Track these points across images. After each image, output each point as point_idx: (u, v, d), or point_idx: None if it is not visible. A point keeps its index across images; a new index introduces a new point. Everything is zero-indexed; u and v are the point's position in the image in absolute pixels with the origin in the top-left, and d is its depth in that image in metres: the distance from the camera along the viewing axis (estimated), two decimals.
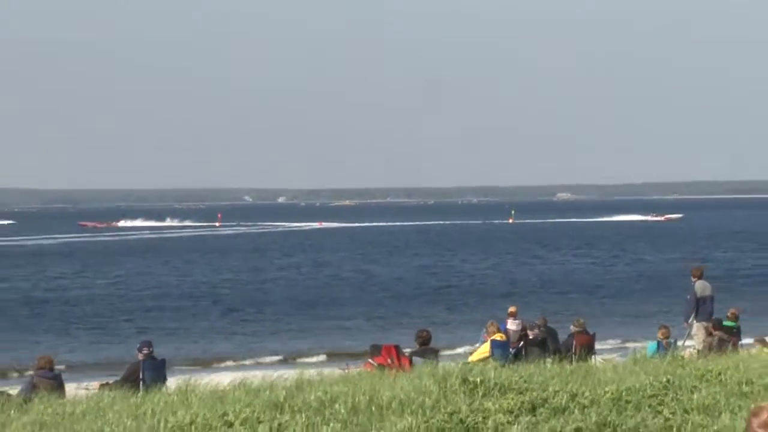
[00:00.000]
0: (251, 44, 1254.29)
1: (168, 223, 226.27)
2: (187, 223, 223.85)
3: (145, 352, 26.63)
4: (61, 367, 30.62)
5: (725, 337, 30.69)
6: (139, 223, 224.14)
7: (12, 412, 18.36)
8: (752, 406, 10.49)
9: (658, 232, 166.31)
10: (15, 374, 39.42)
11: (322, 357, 44.73)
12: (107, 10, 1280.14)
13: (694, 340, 32.09)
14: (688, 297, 32.52)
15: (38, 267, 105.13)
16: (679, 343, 31.60)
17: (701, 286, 32.41)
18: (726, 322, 32.12)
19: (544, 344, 30.21)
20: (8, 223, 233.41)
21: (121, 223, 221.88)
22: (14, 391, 23.84)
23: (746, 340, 33.86)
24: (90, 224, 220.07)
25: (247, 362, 44.54)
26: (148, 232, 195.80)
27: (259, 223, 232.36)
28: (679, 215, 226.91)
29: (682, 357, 24.79)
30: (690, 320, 32.20)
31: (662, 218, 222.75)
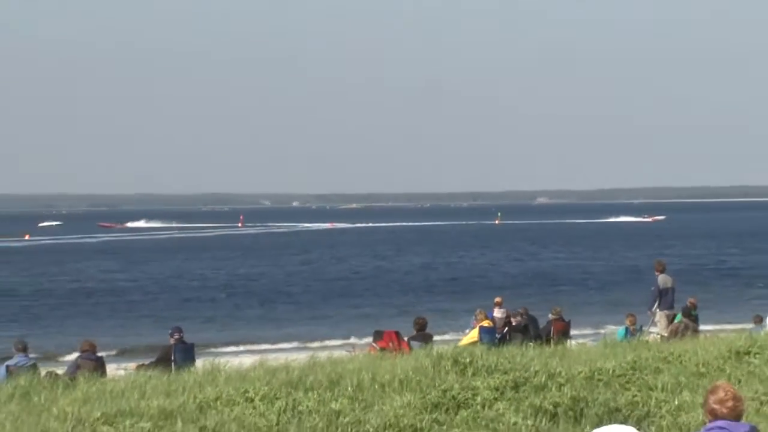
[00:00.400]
0: (265, 62, 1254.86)
1: (162, 224, 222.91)
2: (173, 224, 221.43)
3: (176, 336, 26.65)
4: (112, 352, 30.05)
5: (691, 323, 30.64)
6: (142, 224, 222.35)
7: (59, 389, 18.37)
8: (709, 385, 10.48)
9: (637, 231, 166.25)
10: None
11: (334, 341, 44.58)
12: (150, 18, 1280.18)
13: (657, 326, 31.99)
14: (652, 288, 32.43)
15: (89, 262, 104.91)
16: (645, 329, 31.55)
17: (663, 279, 32.30)
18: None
19: (526, 330, 30.18)
20: (56, 224, 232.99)
21: (128, 224, 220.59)
22: (61, 371, 23.84)
23: (704, 326, 33.78)
24: (107, 225, 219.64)
25: (267, 346, 44.46)
26: (177, 231, 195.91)
27: (277, 224, 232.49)
28: (663, 217, 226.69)
29: (647, 341, 24.76)
30: (654, 309, 32.10)
31: (650, 219, 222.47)
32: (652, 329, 32.12)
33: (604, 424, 4.96)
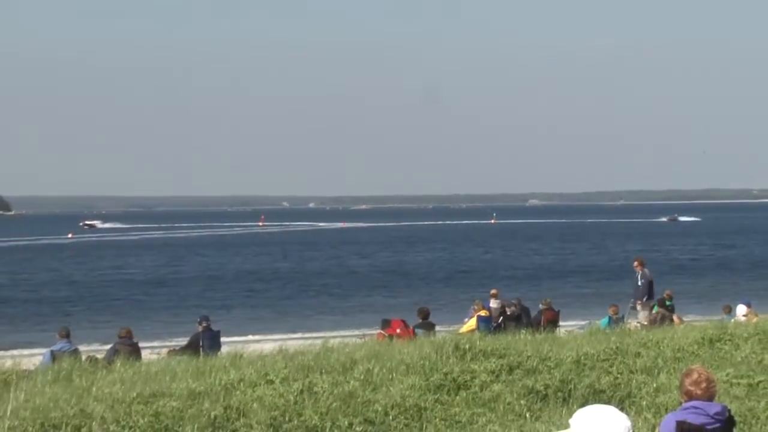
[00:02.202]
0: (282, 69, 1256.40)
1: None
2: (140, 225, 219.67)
3: (204, 324, 26.68)
4: (155, 344, 29.43)
5: (667, 313, 30.60)
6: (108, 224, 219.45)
7: (99, 372, 18.37)
8: (685, 368, 10.43)
9: (624, 230, 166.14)
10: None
11: (348, 331, 44.36)
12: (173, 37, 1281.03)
13: (639, 316, 31.86)
14: (642, 281, 31.98)
15: (134, 258, 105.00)
16: (627, 319, 31.48)
17: (649, 273, 32.19)
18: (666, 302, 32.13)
19: (519, 319, 30.17)
20: (98, 223, 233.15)
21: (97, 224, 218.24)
22: (100, 355, 23.85)
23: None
24: (88, 223, 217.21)
25: (286, 334, 44.34)
26: (206, 229, 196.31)
27: (295, 223, 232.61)
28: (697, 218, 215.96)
29: (628, 329, 24.72)
30: (644, 300, 31.83)
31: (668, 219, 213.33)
32: (635, 319, 31.90)
33: (589, 404, 4.95)
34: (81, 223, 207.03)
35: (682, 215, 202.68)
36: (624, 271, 57.70)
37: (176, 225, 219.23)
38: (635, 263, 32.63)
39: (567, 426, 4.83)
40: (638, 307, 31.95)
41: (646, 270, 32.05)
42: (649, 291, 31.72)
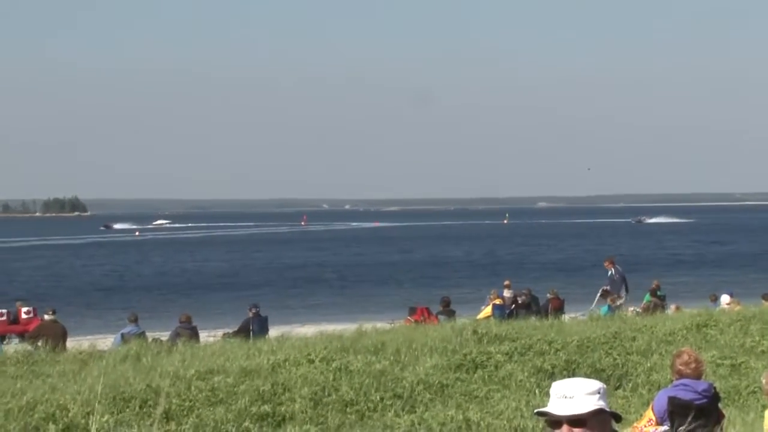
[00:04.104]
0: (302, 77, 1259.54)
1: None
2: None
3: (254, 311, 26.74)
4: (217, 334, 28.90)
5: (658, 302, 30.41)
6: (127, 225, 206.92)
7: (163, 353, 18.47)
8: (675, 350, 10.39)
9: (624, 230, 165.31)
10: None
11: (380, 315, 44.05)
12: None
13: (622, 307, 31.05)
14: (617, 277, 31.23)
15: (203, 252, 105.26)
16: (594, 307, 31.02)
17: (621, 270, 31.51)
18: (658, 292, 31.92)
19: (529, 307, 30.08)
20: (167, 223, 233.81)
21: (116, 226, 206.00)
22: (164, 338, 23.99)
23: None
24: (112, 225, 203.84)
25: (326, 319, 44.23)
26: (254, 227, 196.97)
27: (334, 223, 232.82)
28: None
29: (625, 316, 24.61)
30: (621, 293, 31.19)
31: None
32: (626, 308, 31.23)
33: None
34: (102, 226, 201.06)
35: (652, 217, 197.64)
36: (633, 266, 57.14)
37: (213, 224, 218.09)
38: (606, 263, 31.78)
39: None
40: (618, 302, 31.48)
41: (618, 267, 31.50)
42: (625, 285, 31.10)
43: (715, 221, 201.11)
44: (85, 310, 48.27)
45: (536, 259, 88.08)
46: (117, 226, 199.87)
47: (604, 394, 4.10)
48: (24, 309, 32.96)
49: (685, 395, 8.84)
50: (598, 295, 31.11)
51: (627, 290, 30.99)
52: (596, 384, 4.12)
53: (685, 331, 18.70)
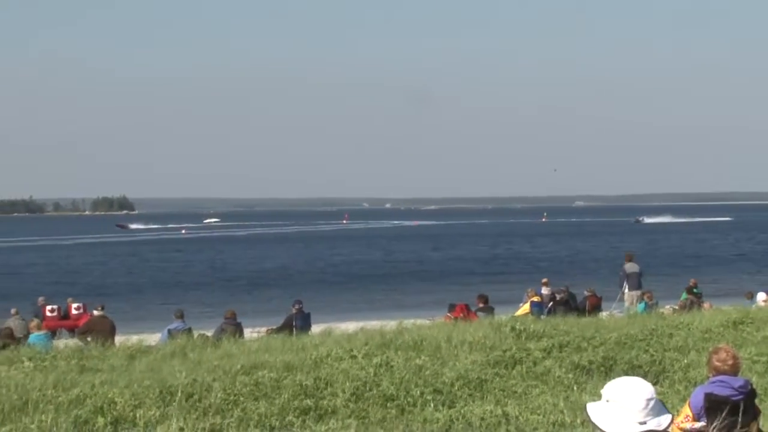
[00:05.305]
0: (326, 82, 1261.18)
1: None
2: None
3: (297, 307, 26.80)
4: (261, 330, 28.89)
5: (695, 299, 30.19)
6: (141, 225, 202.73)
7: (208, 348, 18.58)
8: (712, 347, 10.30)
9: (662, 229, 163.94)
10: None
11: (420, 311, 43.87)
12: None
13: (625, 303, 30.99)
14: (621, 273, 31.37)
15: (243, 251, 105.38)
16: (613, 307, 30.92)
17: (630, 266, 31.42)
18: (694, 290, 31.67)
19: (567, 304, 29.97)
20: (216, 221, 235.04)
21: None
22: (210, 333, 24.13)
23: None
24: (127, 226, 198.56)
25: (368, 315, 44.15)
26: (298, 225, 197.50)
27: (375, 221, 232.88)
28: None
29: (662, 313, 24.44)
30: (623, 289, 31.25)
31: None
32: (617, 309, 31.05)
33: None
34: (117, 225, 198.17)
35: (650, 217, 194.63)
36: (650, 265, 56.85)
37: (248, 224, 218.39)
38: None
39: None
40: (621, 296, 31.38)
41: (629, 263, 31.44)
42: (628, 282, 30.93)
43: (754, 219, 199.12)
44: (146, 303, 48.82)
45: (574, 256, 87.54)
46: (133, 226, 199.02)
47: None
48: (74, 305, 33.38)
49: (722, 391, 8.76)
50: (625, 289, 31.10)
51: (635, 287, 30.72)
52: (650, 387, 4.27)
53: (721, 329, 18.54)
